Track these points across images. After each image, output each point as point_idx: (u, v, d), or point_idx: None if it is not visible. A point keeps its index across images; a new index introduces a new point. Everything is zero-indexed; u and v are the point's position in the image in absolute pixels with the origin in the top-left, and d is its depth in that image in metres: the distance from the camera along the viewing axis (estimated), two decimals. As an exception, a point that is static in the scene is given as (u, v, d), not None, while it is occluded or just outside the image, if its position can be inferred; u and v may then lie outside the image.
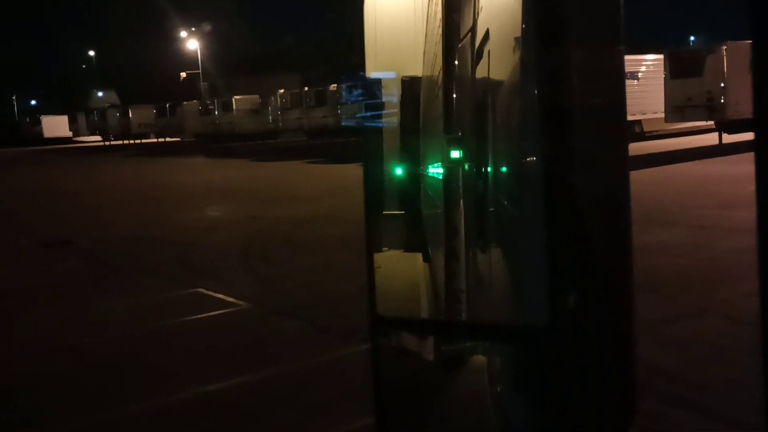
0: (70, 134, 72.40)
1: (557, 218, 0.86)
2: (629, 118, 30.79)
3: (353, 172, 20.12)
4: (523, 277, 0.97)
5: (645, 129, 30.07)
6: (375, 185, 1.20)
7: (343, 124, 37.55)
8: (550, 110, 0.86)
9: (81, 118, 73.45)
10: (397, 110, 1.27)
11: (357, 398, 4.75)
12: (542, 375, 0.90)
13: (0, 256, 12.56)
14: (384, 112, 1.24)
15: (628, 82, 30.51)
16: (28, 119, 79.73)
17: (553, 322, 0.85)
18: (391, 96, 1.22)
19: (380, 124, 1.27)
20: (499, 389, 1.14)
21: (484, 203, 1.10)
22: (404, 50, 1.20)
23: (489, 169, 1.08)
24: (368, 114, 1.23)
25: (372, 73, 1.18)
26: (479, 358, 1.17)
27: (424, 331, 1.21)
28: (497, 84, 1.02)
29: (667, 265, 8.46)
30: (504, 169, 1.04)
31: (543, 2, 0.86)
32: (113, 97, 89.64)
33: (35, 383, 6.07)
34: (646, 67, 29.82)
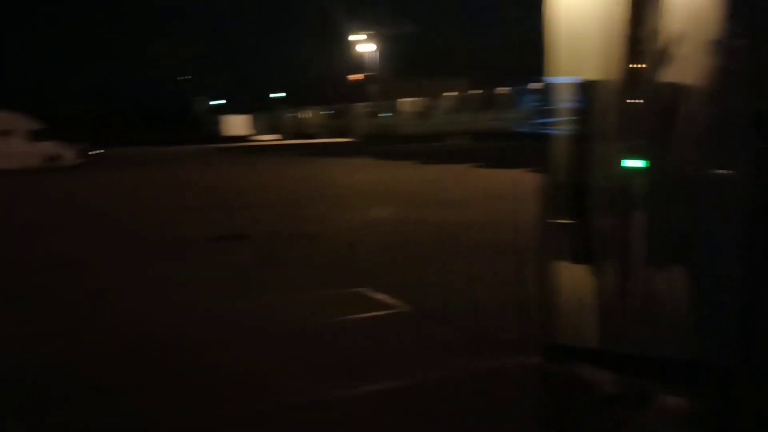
0: (247, 133, 79.35)
1: (761, 237, 0.76)
2: None
3: (519, 176, 19.85)
4: (708, 304, 0.87)
5: None
6: (551, 193, 1.12)
7: (517, 129, 37.09)
8: (757, 116, 0.77)
9: (260, 119, 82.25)
10: (576, 117, 1.19)
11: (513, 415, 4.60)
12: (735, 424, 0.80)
13: (176, 248, 13.33)
14: (562, 119, 1.16)
15: None
16: (209, 118, 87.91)
17: (746, 362, 0.74)
18: (572, 102, 1.14)
19: (556, 131, 1.20)
20: None
21: (667, 215, 1.01)
22: (590, 54, 1.11)
23: (675, 178, 0.98)
24: (545, 120, 1.16)
25: (552, 77, 1.13)
26: (673, 399, 1.05)
27: (599, 363, 1.09)
28: (686, 89, 0.92)
29: None
30: (693, 179, 0.95)
31: (747, 5, 0.78)
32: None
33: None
34: None
